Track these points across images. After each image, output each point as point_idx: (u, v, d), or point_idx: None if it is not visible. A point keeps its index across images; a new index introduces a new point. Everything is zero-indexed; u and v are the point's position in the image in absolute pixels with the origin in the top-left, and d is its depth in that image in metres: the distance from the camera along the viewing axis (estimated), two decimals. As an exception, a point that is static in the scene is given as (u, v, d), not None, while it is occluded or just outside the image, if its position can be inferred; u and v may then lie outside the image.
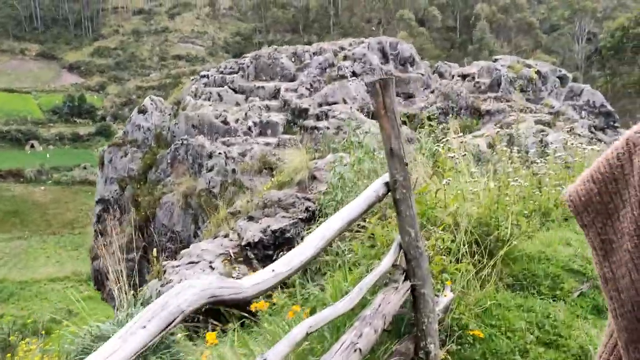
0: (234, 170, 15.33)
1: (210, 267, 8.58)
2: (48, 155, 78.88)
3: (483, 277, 3.90)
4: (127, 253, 20.07)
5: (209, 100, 18.21)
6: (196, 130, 17.08)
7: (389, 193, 3.18)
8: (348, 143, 7.98)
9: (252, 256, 8.72)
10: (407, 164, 3.08)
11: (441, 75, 21.60)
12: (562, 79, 18.56)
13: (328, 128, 16.30)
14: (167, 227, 16.54)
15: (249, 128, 16.56)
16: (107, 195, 18.89)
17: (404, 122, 17.42)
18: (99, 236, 20.13)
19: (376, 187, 3.15)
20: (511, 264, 4.26)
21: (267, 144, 16.29)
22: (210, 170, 15.71)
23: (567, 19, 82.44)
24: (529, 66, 18.14)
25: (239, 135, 16.50)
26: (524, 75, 17.58)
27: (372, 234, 3.87)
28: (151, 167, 17.70)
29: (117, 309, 4.02)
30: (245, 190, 14.38)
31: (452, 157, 5.02)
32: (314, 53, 19.87)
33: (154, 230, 16.78)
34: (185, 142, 16.70)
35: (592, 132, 16.16)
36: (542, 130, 14.56)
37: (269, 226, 8.83)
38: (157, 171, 17.59)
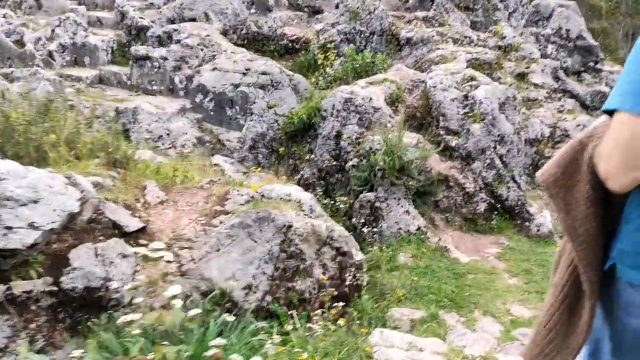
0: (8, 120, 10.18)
1: None
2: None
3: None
4: None
5: (19, 7, 12.67)
6: (-16, 54, 11.74)
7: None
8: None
9: None
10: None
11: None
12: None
13: (166, 59, 10.94)
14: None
15: (50, 54, 11.22)
16: None
17: (282, 53, 12.01)
18: None
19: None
20: None
21: (75, 79, 11.02)
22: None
23: None
24: (483, -29, 12.32)
25: (37, 65, 11.19)
26: (471, -16, 11.83)
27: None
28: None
29: None
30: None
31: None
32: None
33: None
34: (-36, 71, 11.40)
35: (559, 78, 10.73)
36: (472, 79, 9.18)
37: None
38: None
